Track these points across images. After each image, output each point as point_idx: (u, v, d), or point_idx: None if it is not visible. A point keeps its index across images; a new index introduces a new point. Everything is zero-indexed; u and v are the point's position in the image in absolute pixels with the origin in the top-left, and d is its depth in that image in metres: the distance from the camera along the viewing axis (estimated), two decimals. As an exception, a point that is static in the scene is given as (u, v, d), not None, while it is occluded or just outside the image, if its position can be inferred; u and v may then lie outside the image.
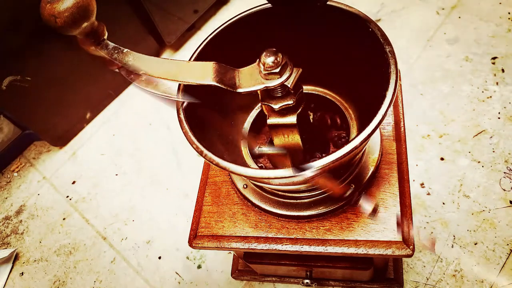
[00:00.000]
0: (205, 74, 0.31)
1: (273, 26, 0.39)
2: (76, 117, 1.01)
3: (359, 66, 0.38)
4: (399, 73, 0.33)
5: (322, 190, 0.40)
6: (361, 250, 0.40)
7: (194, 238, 0.45)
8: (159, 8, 0.97)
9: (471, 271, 0.66)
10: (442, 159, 0.77)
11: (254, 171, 0.32)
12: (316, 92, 0.46)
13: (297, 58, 0.34)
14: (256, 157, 0.45)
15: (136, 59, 0.31)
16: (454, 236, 0.69)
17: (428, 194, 0.74)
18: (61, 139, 1.01)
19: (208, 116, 0.40)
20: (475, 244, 0.67)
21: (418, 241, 0.70)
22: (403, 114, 0.47)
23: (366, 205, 0.38)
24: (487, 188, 0.72)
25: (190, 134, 0.34)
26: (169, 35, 1.04)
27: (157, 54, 1.09)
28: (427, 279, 0.66)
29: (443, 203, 0.72)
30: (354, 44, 0.38)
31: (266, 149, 0.38)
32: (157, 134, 0.98)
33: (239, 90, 0.32)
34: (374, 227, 0.40)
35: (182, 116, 0.35)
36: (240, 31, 0.40)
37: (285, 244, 0.42)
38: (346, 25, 0.37)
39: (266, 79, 0.32)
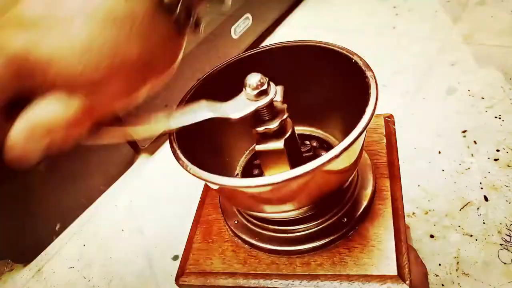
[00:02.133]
0: (198, 111, 0.33)
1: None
2: (45, 230, 0.95)
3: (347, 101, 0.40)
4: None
5: (315, 222, 0.40)
6: (355, 285, 0.38)
7: (181, 276, 0.44)
8: (131, 114, 0.98)
9: None
10: (432, 236, 0.72)
11: (234, 180, 0.33)
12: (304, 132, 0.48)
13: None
14: None
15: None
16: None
17: (424, 276, 0.67)
18: (27, 256, 0.93)
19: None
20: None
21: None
22: (397, 155, 0.47)
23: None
24: (487, 264, 0.66)
25: (177, 149, 0.35)
26: (143, 140, 1.04)
27: (132, 159, 1.08)
28: None
29: (442, 285, 0.65)
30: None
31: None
32: (129, 240, 0.91)
33: (233, 116, 0.33)
34: (368, 262, 0.38)
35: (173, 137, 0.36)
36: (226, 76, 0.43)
37: (274, 280, 0.40)
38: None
39: (256, 100, 0.33)
